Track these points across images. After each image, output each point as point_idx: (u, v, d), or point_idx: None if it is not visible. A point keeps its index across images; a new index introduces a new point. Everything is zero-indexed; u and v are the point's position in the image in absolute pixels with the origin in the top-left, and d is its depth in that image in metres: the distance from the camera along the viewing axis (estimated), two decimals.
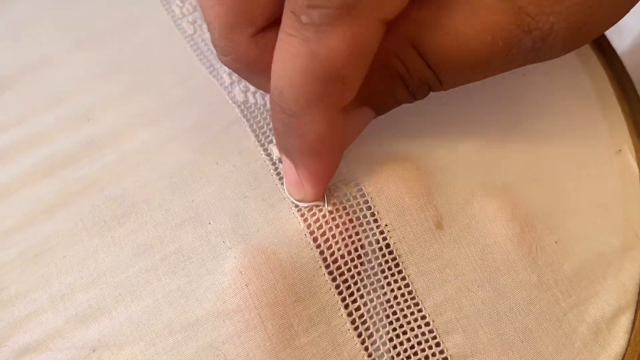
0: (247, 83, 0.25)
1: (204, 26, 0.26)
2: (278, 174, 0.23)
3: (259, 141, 0.24)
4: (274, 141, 0.24)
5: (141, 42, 0.26)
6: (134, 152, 0.24)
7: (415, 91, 0.20)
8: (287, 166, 0.21)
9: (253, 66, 0.20)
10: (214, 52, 0.25)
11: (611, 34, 0.27)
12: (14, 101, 0.25)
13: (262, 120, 0.24)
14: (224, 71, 0.25)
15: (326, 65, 0.17)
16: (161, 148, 0.24)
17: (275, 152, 0.23)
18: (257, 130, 0.24)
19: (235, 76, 0.25)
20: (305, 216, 0.21)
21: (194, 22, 0.27)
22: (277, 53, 0.18)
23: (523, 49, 0.18)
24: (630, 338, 0.22)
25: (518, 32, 0.18)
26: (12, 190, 0.23)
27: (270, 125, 0.24)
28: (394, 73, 0.20)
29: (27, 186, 0.23)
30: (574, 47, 0.20)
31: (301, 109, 0.18)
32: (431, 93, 0.21)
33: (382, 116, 0.22)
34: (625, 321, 0.22)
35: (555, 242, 0.22)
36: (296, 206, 0.22)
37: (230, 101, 0.25)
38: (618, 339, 0.22)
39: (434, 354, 0.20)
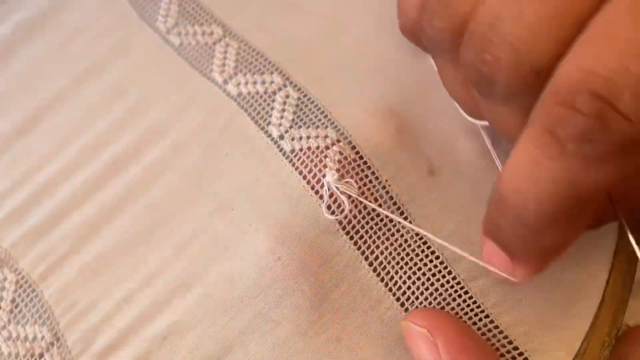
0: (239, 77, 0.27)
1: (189, 35, 0.29)
2: (281, 150, 0.26)
3: (259, 126, 0.26)
4: (272, 122, 0.26)
5: (135, 62, 0.29)
6: (154, 162, 0.27)
7: None
8: (492, 249, 0.20)
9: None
10: (204, 56, 0.28)
11: None
12: (40, 140, 0.28)
13: (257, 107, 0.27)
14: (216, 71, 0.28)
15: (585, 196, 0.16)
16: (176, 152, 0.27)
17: (275, 132, 0.26)
18: (256, 116, 0.27)
19: (226, 74, 0.28)
20: (316, 188, 0.24)
21: (179, 34, 0.29)
22: (523, 167, 0.17)
23: None
24: (604, 294, 0.24)
25: None
26: (59, 219, 0.26)
27: (266, 110, 0.27)
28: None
29: (73, 212, 0.26)
30: None
31: (545, 226, 0.17)
32: None
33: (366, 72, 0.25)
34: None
35: None
36: (304, 177, 0.25)
37: (226, 97, 0.27)
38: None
39: (447, 281, 0.23)
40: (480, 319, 0.23)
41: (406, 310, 0.23)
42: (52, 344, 0.24)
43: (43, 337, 0.25)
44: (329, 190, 0.24)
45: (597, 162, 0.16)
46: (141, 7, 0.30)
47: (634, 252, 0.23)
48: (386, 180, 0.24)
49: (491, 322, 0.23)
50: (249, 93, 0.27)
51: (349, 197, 0.24)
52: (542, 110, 0.16)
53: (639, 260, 0.24)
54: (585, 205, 0.17)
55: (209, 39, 0.29)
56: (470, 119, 0.24)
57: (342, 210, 0.24)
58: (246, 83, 0.27)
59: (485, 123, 0.22)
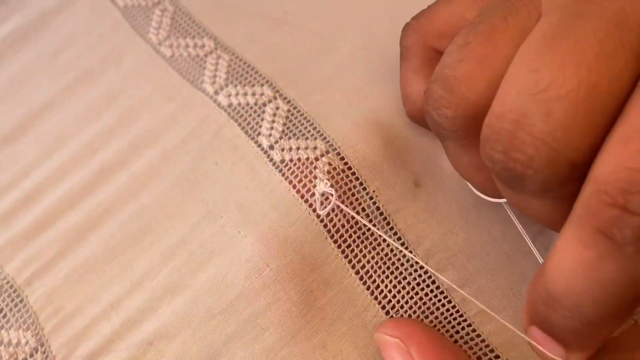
0: (230, 89, 0.28)
1: (181, 48, 0.29)
2: (270, 160, 0.26)
3: (249, 136, 0.27)
4: (262, 132, 0.27)
5: (127, 71, 0.29)
6: (143, 170, 0.27)
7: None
8: (541, 336, 0.19)
9: None
10: (195, 68, 0.28)
11: None
12: (28, 147, 0.28)
13: (247, 118, 0.27)
14: (207, 82, 0.28)
15: None
16: (165, 161, 0.27)
17: (265, 142, 0.26)
18: (246, 126, 0.27)
19: (217, 85, 0.28)
20: (306, 197, 0.25)
21: (170, 46, 0.29)
22: (574, 269, 0.16)
23: None
24: None
25: None
26: (46, 224, 0.26)
27: (256, 120, 0.27)
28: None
29: (60, 217, 0.26)
30: None
31: (602, 321, 0.17)
32: None
33: (354, 87, 0.26)
34: None
35: None
36: (294, 187, 0.25)
37: (217, 107, 0.28)
38: None
39: (432, 291, 0.24)
40: (463, 328, 0.24)
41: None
42: (36, 349, 0.24)
43: (27, 342, 0.24)
44: (320, 197, 0.24)
45: None
46: (133, 18, 0.31)
47: None
48: (373, 191, 0.25)
49: (473, 330, 0.24)
50: (239, 104, 0.28)
51: (338, 206, 0.24)
52: (588, 210, 0.16)
53: None
54: None
55: (200, 52, 0.29)
56: (487, 198, 0.24)
57: (331, 219, 0.24)
58: (237, 94, 0.28)
59: (504, 200, 0.23)
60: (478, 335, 0.24)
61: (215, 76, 0.29)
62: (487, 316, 0.24)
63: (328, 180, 0.25)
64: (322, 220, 0.24)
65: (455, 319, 0.24)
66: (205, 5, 0.31)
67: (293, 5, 0.31)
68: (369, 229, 0.25)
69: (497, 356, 0.23)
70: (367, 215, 0.25)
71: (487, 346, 0.23)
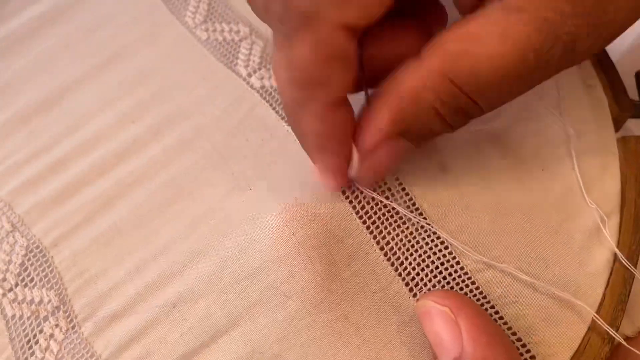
0: (262, 72, 0.29)
1: (217, 32, 0.30)
2: None
3: (280, 115, 0.28)
4: None
5: (162, 51, 0.30)
6: (175, 143, 0.27)
7: (453, 121, 0.21)
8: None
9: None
10: (229, 51, 0.29)
11: None
12: (60, 117, 0.29)
13: (279, 100, 0.28)
14: (241, 65, 0.29)
15: (299, 71, 0.19)
16: (197, 136, 0.27)
17: None
18: (277, 107, 0.28)
19: (251, 68, 0.29)
20: None
21: (206, 30, 0.30)
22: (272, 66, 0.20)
23: (554, 56, 0.19)
24: (619, 235, 0.25)
25: (547, 42, 0.18)
26: (75, 190, 0.27)
27: None
28: (427, 106, 0.20)
29: (89, 184, 0.27)
30: (597, 48, 0.20)
31: (292, 111, 0.21)
32: None
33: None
34: (613, 222, 0.25)
35: (542, 170, 0.26)
36: None
37: (250, 89, 0.28)
38: (610, 236, 0.25)
39: (455, 271, 0.24)
40: (486, 310, 0.24)
41: (414, 295, 0.24)
42: (58, 308, 0.24)
43: (49, 301, 0.25)
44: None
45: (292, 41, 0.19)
46: (171, 2, 0.32)
47: (635, 251, 0.24)
48: (399, 172, 0.25)
49: (496, 312, 0.24)
50: (271, 86, 0.28)
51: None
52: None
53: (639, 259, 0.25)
54: (311, 79, 0.19)
55: (235, 36, 0.30)
56: None
57: (357, 196, 0.25)
58: (269, 77, 0.29)
59: None
60: (501, 318, 0.23)
61: (249, 60, 0.29)
62: (510, 299, 0.24)
63: None
64: (347, 197, 0.25)
65: (478, 300, 0.24)
66: None
67: None
68: (393, 208, 0.25)
69: (520, 339, 0.23)
70: (393, 195, 0.25)
71: (509, 329, 0.23)
